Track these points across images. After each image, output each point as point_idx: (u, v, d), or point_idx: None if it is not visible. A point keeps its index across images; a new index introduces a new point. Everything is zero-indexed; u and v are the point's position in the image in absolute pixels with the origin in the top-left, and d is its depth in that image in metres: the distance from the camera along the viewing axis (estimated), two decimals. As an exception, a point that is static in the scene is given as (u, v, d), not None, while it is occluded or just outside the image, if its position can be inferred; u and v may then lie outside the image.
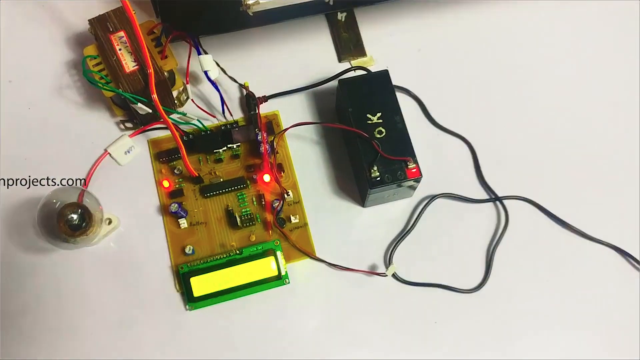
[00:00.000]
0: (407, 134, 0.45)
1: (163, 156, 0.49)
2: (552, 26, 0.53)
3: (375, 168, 0.43)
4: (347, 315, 0.45)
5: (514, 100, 0.51)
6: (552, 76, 0.52)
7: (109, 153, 0.49)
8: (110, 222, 0.46)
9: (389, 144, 0.44)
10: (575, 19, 0.53)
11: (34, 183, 0.47)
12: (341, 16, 0.53)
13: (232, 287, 0.44)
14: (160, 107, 0.44)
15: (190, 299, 0.44)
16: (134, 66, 0.46)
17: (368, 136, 0.44)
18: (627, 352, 0.45)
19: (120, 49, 0.46)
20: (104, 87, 0.45)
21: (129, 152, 0.49)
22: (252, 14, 0.45)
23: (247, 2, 0.44)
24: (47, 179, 0.47)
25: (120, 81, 0.45)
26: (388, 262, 0.46)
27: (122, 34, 0.46)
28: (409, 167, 0.44)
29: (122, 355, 0.44)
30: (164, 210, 0.47)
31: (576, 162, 0.49)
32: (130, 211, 0.47)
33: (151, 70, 0.44)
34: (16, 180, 0.47)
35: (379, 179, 0.43)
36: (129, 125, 0.50)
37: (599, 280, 0.46)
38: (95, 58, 0.47)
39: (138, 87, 0.45)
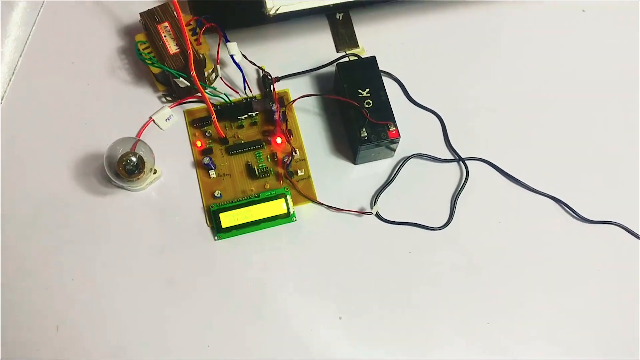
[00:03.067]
0: (389, 104, 0.57)
1: (196, 122, 0.59)
2: (508, 26, 0.66)
3: (364, 130, 0.56)
4: (341, 246, 0.56)
5: (475, 82, 0.63)
6: (504, 65, 0.64)
7: (153, 120, 0.60)
8: (155, 172, 0.58)
9: (375, 112, 0.56)
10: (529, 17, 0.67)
11: (94, 142, 0.59)
12: (339, 16, 0.64)
13: (252, 221, 0.55)
14: (198, 81, 0.56)
15: (219, 230, 0.56)
16: (176, 49, 0.57)
17: (359, 105, 0.57)
18: (559, 285, 0.56)
19: (165, 36, 0.58)
20: (153, 64, 0.58)
21: (168, 119, 0.60)
22: (271, 16, 0.58)
23: (269, 9, 0.57)
24: (104, 139, 0.59)
25: (166, 60, 0.57)
26: (373, 204, 0.58)
27: (166, 24, 0.58)
28: (390, 129, 0.56)
29: (165, 274, 0.54)
30: (197, 164, 0.58)
31: (520, 130, 0.61)
32: (170, 165, 0.58)
33: (191, 52, 0.55)
34: (79, 140, 0.59)
35: (366, 138, 0.56)
36: (168, 98, 0.61)
37: (539, 224, 0.58)
38: (144, 43, 0.58)
39: (179, 65, 0.57)
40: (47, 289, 0.54)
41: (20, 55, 0.62)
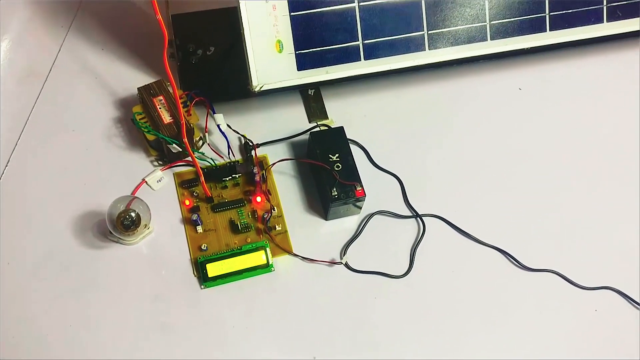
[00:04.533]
0: (356, 168, 0.65)
1: (185, 184, 0.66)
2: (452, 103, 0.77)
3: (334, 189, 0.64)
4: (314, 293, 0.63)
5: (429, 148, 0.72)
6: (453, 134, 0.75)
7: (145, 181, 0.66)
8: (148, 228, 0.64)
9: (344, 174, 0.65)
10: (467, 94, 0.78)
11: (92, 201, 0.65)
12: (311, 92, 0.74)
13: (234, 271, 0.62)
14: (189, 147, 0.64)
15: (205, 280, 0.62)
16: (169, 119, 0.66)
17: (330, 168, 0.65)
18: (505, 324, 0.64)
19: (160, 107, 0.66)
20: (150, 132, 0.65)
21: (159, 181, 0.66)
22: (256, 92, 0.67)
23: (254, 86, 0.66)
24: (101, 199, 0.66)
25: (161, 129, 0.65)
26: (343, 256, 0.66)
27: (161, 97, 0.66)
28: (357, 189, 0.64)
29: (156, 319, 0.60)
30: (185, 220, 0.65)
31: (469, 190, 0.70)
32: (160, 222, 0.64)
33: (183, 122, 0.63)
34: (78, 199, 0.65)
35: (336, 196, 0.64)
36: (160, 162, 0.68)
37: (487, 272, 0.66)
38: (140, 114, 0.67)
39: (173, 133, 0.65)
40: (48, 334, 0.59)
41: (25, 123, 0.69)
